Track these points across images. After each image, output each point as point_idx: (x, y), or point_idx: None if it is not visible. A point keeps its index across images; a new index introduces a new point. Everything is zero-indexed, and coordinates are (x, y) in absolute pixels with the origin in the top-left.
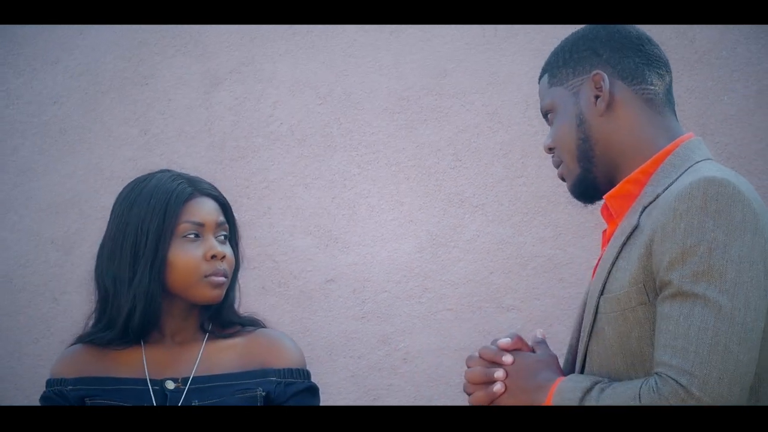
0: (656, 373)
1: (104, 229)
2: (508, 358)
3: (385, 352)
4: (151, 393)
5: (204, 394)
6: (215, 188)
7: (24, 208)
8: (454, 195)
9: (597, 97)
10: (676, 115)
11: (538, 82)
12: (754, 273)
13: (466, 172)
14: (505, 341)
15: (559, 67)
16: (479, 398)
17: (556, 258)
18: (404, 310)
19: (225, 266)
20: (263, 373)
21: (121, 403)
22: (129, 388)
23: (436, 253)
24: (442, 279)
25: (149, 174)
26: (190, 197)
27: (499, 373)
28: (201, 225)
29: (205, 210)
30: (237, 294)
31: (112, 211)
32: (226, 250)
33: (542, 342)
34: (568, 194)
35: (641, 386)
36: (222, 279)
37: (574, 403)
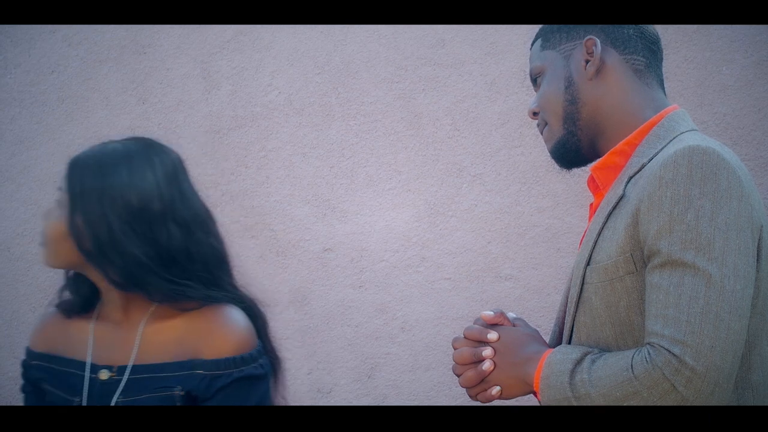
0: (648, 343)
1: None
2: (493, 336)
3: (383, 320)
4: (86, 382)
5: (132, 388)
6: (78, 156)
7: (22, 177)
8: (452, 164)
9: (587, 61)
10: (664, 90)
11: (530, 48)
12: (742, 240)
13: (464, 142)
14: (488, 314)
15: (553, 31)
16: (469, 378)
17: (554, 227)
18: (402, 279)
19: (42, 230)
20: (191, 365)
21: (57, 392)
22: (69, 374)
23: (434, 222)
24: (439, 248)
25: None
26: None
27: (486, 351)
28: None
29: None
30: (141, 262)
31: None
32: (50, 214)
33: (520, 319)
34: None
35: (633, 356)
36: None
37: (565, 374)
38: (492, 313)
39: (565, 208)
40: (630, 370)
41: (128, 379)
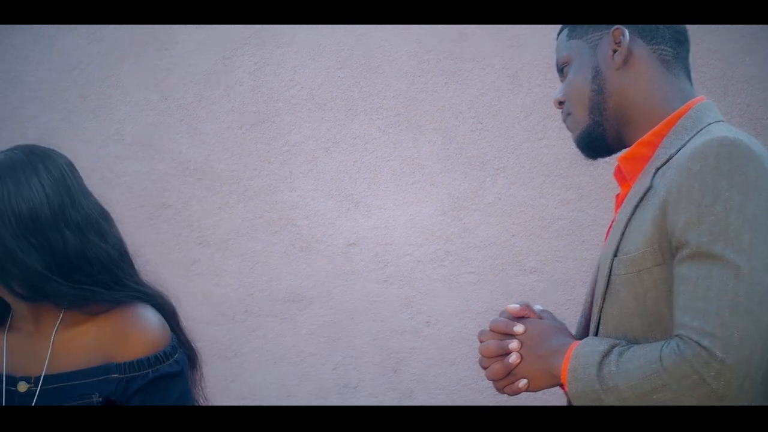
0: (677, 335)
1: (125, 194)
2: (519, 328)
3: (408, 315)
4: (3, 396)
5: (50, 397)
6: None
7: None
8: (476, 158)
9: (615, 51)
10: (691, 81)
11: (557, 38)
12: None
13: (487, 135)
14: (514, 307)
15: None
16: (496, 371)
17: (578, 220)
18: (426, 273)
19: None
20: (105, 370)
21: None
22: None
23: (458, 216)
24: (464, 242)
25: None
26: None
27: (513, 344)
28: None
29: None
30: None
31: None
32: None
33: (546, 311)
34: None
35: (662, 348)
36: None
37: (593, 367)
38: (518, 305)
39: (589, 200)
40: (659, 363)
41: (44, 390)
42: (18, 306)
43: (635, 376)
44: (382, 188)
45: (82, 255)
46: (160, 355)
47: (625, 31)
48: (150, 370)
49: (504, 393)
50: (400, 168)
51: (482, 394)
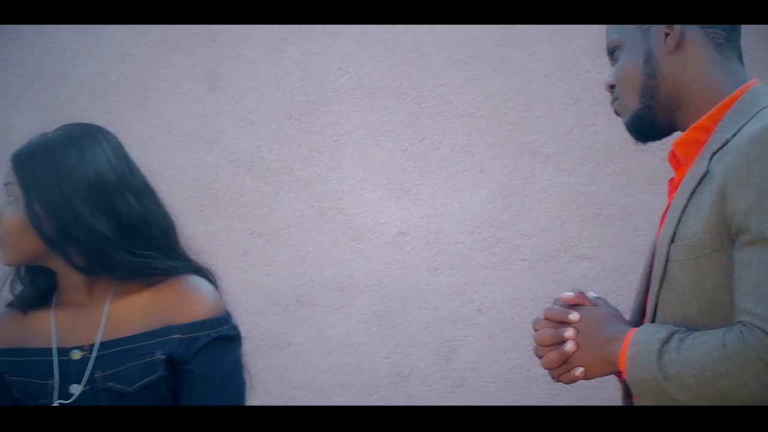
0: (740, 322)
1: (175, 186)
2: (575, 316)
3: (460, 303)
4: (56, 365)
5: (107, 362)
6: (22, 148)
7: None
8: (525, 144)
9: (667, 35)
10: (743, 64)
11: None
12: None
13: (536, 122)
14: (568, 295)
15: None
16: (551, 360)
17: (630, 206)
18: (478, 260)
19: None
20: (166, 331)
21: (27, 380)
22: (37, 362)
23: (509, 203)
24: (515, 229)
25: None
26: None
27: (569, 332)
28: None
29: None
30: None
31: None
32: (3, 211)
33: (601, 298)
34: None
35: (725, 335)
36: None
37: (653, 354)
38: (572, 293)
39: (640, 186)
40: (722, 350)
41: (101, 355)
42: (71, 280)
43: (697, 363)
44: (432, 176)
45: (143, 219)
46: (220, 319)
47: None
48: (212, 331)
49: (560, 381)
50: (450, 156)
51: (535, 381)
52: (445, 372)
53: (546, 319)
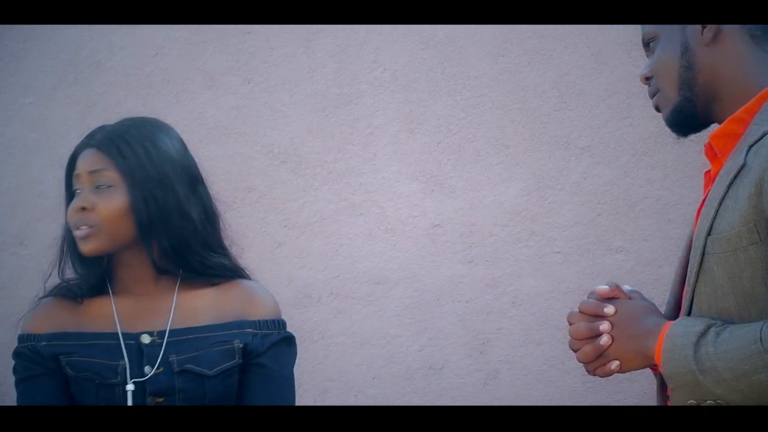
0: None
1: (209, 178)
2: (610, 309)
3: (494, 295)
4: (123, 348)
5: (181, 347)
6: (108, 135)
7: None
8: (560, 137)
9: (704, 27)
10: None
11: None
12: None
13: (571, 114)
14: (603, 288)
15: None
16: (587, 353)
17: (664, 198)
18: (512, 253)
19: (90, 218)
20: (239, 325)
21: (94, 360)
22: (103, 344)
23: (543, 196)
24: (549, 222)
25: None
26: (77, 152)
27: (604, 326)
28: (78, 177)
29: (81, 162)
30: (199, 235)
31: None
32: (96, 199)
33: (636, 291)
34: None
35: (762, 328)
36: (82, 231)
37: (689, 347)
38: (607, 286)
39: (675, 179)
40: (759, 343)
41: (175, 340)
42: (138, 271)
43: (734, 356)
44: (467, 169)
45: (215, 215)
46: (282, 322)
47: None
48: (281, 331)
49: (595, 375)
50: (484, 148)
51: (569, 374)
52: (478, 365)
53: (581, 312)
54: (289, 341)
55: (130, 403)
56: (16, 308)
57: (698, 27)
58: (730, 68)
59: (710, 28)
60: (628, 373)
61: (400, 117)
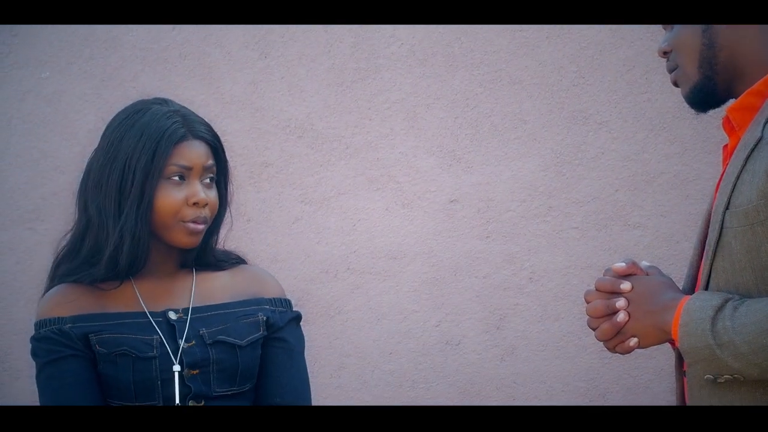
0: None
1: (226, 152)
2: (626, 286)
3: (511, 271)
4: (154, 324)
5: (207, 322)
6: (210, 129)
7: None
8: (578, 112)
9: None
10: None
11: None
12: None
13: (589, 89)
14: (619, 265)
15: None
16: (605, 331)
17: (683, 174)
18: (529, 229)
19: (206, 213)
20: (257, 302)
21: (127, 336)
22: (132, 322)
23: (561, 171)
24: (566, 197)
25: (145, 104)
26: (181, 139)
27: (620, 302)
28: (188, 168)
29: (195, 153)
30: (218, 236)
31: (103, 136)
32: (210, 195)
33: (654, 267)
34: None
35: None
36: (200, 227)
37: (707, 321)
38: (623, 264)
39: (694, 154)
40: None
41: (200, 316)
42: (167, 255)
43: (752, 330)
44: (484, 144)
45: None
46: (290, 301)
47: None
48: (291, 309)
49: (615, 352)
50: (502, 123)
51: (586, 350)
52: (495, 340)
53: (597, 290)
54: (299, 319)
55: (176, 381)
56: (33, 282)
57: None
58: (750, 45)
59: None
60: (645, 350)
61: (417, 92)
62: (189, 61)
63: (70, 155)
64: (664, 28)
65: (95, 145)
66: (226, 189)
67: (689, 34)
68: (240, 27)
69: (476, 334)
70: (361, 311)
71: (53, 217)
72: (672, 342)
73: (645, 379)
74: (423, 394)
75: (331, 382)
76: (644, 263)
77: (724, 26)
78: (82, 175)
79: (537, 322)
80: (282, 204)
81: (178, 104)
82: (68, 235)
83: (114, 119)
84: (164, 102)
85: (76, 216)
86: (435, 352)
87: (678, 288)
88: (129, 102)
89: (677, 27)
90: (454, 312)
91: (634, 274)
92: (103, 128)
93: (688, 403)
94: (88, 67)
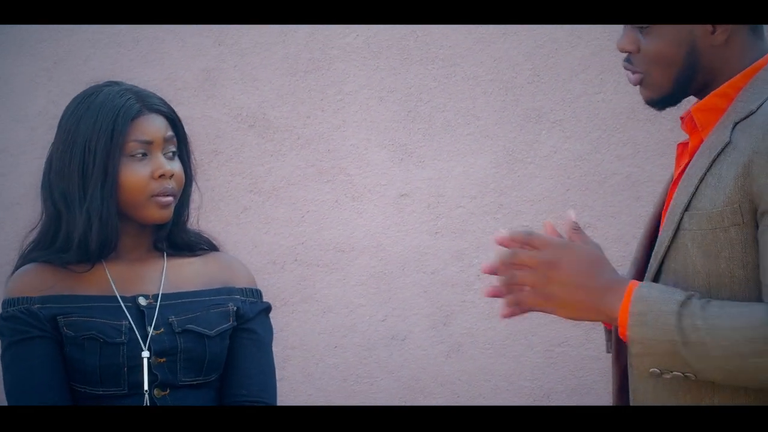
0: None
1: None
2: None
3: (459, 267)
4: (125, 309)
5: (177, 309)
6: (164, 102)
7: None
8: (532, 110)
9: (714, 28)
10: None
11: None
12: None
13: (543, 88)
14: (516, 234)
15: None
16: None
17: (634, 175)
18: (479, 225)
19: (173, 184)
20: (228, 291)
21: (96, 320)
22: (102, 305)
23: (512, 169)
24: (517, 195)
25: (97, 87)
26: (137, 114)
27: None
28: (149, 143)
29: (153, 127)
30: (189, 210)
31: (59, 125)
32: (174, 167)
33: (580, 230)
34: (648, 111)
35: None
36: (169, 199)
37: (671, 315)
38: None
39: (646, 156)
40: (766, 327)
41: (170, 303)
42: (137, 236)
43: (729, 336)
44: (436, 139)
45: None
46: (261, 291)
47: None
48: (264, 301)
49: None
50: (455, 119)
51: (532, 350)
52: (441, 337)
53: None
54: (269, 311)
55: (145, 367)
56: None
57: (708, 27)
58: (731, 66)
59: (723, 30)
60: (592, 351)
61: (370, 84)
62: (142, 45)
63: (20, 138)
64: (635, 30)
65: (46, 127)
66: (189, 160)
67: (671, 52)
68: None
69: (422, 330)
70: (307, 303)
71: (1, 199)
72: (616, 327)
73: (590, 380)
74: (367, 389)
75: (276, 374)
76: (572, 215)
77: (710, 49)
78: (43, 168)
79: (484, 320)
80: (231, 193)
81: (129, 84)
82: (35, 231)
83: (68, 106)
84: (115, 83)
85: (42, 209)
86: (380, 347)
87: (609, 262)
88: (80, 85)
89: (656, 41)
90: (400, 307)
91: (575, 240)
92: (55, 111)
93: (631, 394)
94: (39, 50)
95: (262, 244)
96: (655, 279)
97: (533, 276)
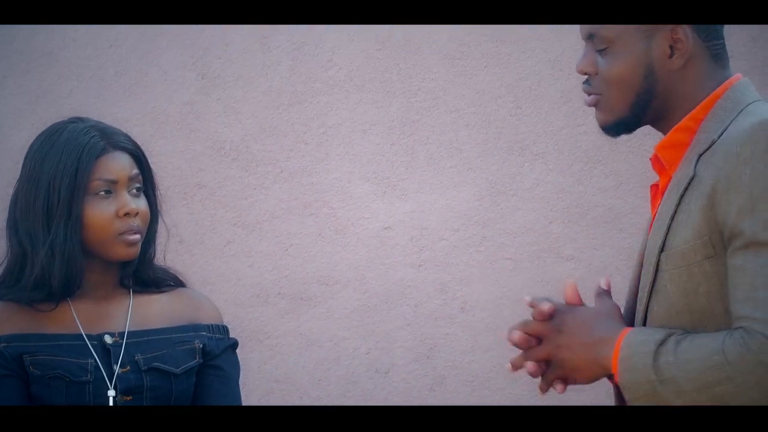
0: (741, 327)
1: (159, 173)
2: (545, 306)
3: (443, 300)
4: (90, 347)
5: (143, 347)
6: (129, 139)
7: None
8: (514, 143)
9: (672, 49)
10: (728, 63)
11: None
12: None
13: (526, 120)
14: (544, 306)
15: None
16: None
17: (617, 208)
18: (462, 258)
19: (138, 222)
20: (194, 328)
21: (62, 358)
22: (67, 344)
23: (495, 202)
24: (500, 228)
25: (61, 124)
26: (102, 152)
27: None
28: (113, 182)
29: (118, 165)
30: (156, 247)
31: (24, 163)
32: (140, 204)
33: (604, 292)
34: (631, 143)
35: (725, 340)
36: (136, 236)
37: (648, 356)
38: (547, 305)
39: (628, 188)
40: (722, 354)
41: (136, 341)
42: (102, 274)
43: (695, 367)
44: (419, 172)
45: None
46: (227, 327)
47: (688, 30)
48: (230, 337)
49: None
50: (438, 152)
51: (516, 382)
52: (425, 370)
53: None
54: (235, 347)
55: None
56: None
57: (666, 49)
58: (689, 91)
59: (681, 54)
60: (575, 385)
61: (353, 117)
62: (125, 79)
63: (3, 170)
64: (587, 46)
65: None
66: (155, 197)
67: (628, 74)
68: (177, 47)
69: (406, 363)
70: (291, 336)
71: None
72: (611, 377)
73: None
74: None
75: None
76: (602, 284)
77: (668, 73)
78: (8, 206)
79: (467, 353)
80: (214, 226)
81: (95, 120)
82: (0, 268)
83: (32, 144)
84: (80, 120)
85: (8, 247)
86: (364, 380)
87: (622, 317)
88: (63, 118)
89: (612, 63)
90: (384, 340)
91: (574, 305)
92: None
93: None
94: (23, 83)
95: (246, 277)
96: (643, 324)
97: (546, 347)
